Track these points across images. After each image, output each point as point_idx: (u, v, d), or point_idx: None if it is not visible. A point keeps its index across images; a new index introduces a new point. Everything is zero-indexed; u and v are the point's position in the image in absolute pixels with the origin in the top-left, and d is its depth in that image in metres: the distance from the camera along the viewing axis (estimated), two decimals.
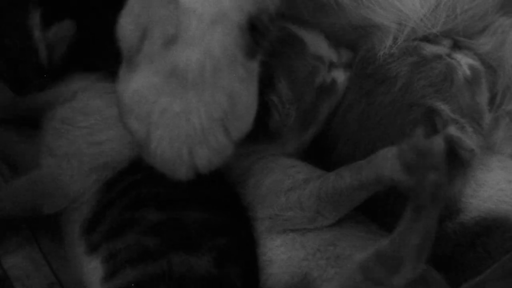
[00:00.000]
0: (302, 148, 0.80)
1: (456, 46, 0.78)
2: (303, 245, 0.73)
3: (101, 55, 0.79)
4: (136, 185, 0.73)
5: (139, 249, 0.69)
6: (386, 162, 0.65)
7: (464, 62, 0.76)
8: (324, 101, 0.78)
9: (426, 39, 0.78)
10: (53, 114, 0.78)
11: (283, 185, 0.73)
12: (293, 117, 0.76)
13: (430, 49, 0.76)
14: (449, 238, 0.75)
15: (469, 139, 0.72)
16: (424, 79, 0.74)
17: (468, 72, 0.75)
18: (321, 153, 0.79)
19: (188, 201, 0.72)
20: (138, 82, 0.61)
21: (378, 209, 0.76)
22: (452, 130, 0.72)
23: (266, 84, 0.72)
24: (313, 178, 0.73)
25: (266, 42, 0.64)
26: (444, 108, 0.73)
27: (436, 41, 0.78)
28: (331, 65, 0.79)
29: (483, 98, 0.77)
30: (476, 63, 0.77)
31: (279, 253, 0.73)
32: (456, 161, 0.72)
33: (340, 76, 0.79)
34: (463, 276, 0.72)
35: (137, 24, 0.61)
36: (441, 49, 0.77)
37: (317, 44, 0.78)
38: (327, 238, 0.73)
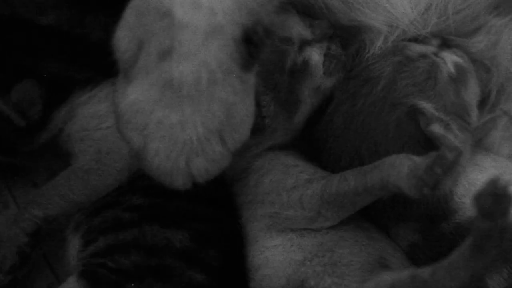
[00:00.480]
0: (294, 136, 0.80)
1: (445, 44, 0.79)
2: (300, 247, 0.73)
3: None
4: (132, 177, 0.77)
5: (114, 221, 0.73)
6: (393, 170, 0.66)
7: (449, 60, 0.76)
8: (301, 83, 0.77)
9: (415, 39, 0.78)
10: (69, 134, 0.82)
11: (285, 184, 0.74)
12: (272, 107, 0.76)
13: (416, 48, 0.76)
14: (447, 239, 0.75)
15: (453, 137, 0.72)
16: (407, 79, 0.74)
17: (452, 69, 0.75)
18: (312, 153, 0.80)
19: (176, 193, 0.74)
20: (135, 94, 0.62)
21: (377, 212, 0.77)
22: (436, 128, 0.72)
23: None
24: (317, 179, 0.73)
25: (262, 54, 0.64)
26: (427, 106, 0.73)
27: (425, 41, 0.78)
28: (303, 43, 0.77)
29: (470, 95, 0.76)
30: (461, 61, 0.77)
31: (276, 253, 0.74)
32: None
33: (314, 54, 0.77)
34: None
35: (133, 36, 0.62)
36: (428, 48, 0.77)
37: (285, 24, 0.77)
38: (325, 242, 0.73)
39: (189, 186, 0.64)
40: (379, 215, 0.77)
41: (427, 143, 0.72)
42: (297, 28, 0.76)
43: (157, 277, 0.70)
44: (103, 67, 0.79)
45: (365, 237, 0.75)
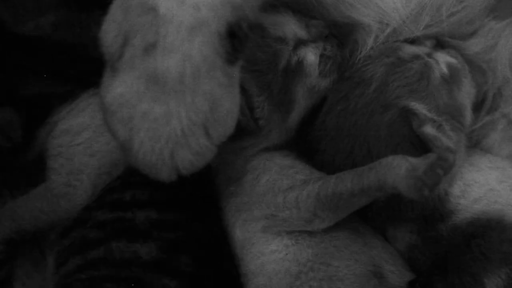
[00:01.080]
0: (290, 136, 0.79)
1: (439, 45, 0.79)
2: (296, 258, 0.73)
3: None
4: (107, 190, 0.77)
5: (81, 241, 0.73)
6: (390, 171, 0.66)
7: (442, 60, 0.76)
8: (295, 83, 0.76)
9: (408, 40, 0.78)
10: (47, 149, 0.82)
11: (281, 185, 0.74)
12: (265, 108, 0.75)
13: (409, 50, 0.76)
14: (443, 239, 0.75)
15: (446, 137, 0.71)
16: (399, 80, 0.74)
17: (445, 70, 0.75)
18: (307, 154, 0.80)
19: (145, 203, 0.75)
20: (120, 87, 0.63)
21: (373, 214, 0.77)
22: (428, 128, 0.72)
23: None
24: (313, 180, 0.73)
25: (246, 48, 0.65)
26: (420, 107, 0.73)
27: (419, 42, 0.78)
28: (299, 43, 0.76)
29: (463, 95, 0.76)
30: (455, 61, 0.77)
31: (272, 261, 0.73)
32: None
33: (309, 54, 0.76)
34: (460, 279, 0.73)
35: (119, 30, 0.63)
36: (421, 49, 0.77)
37: (280, 23, 0.76)
38: (320, 254, 0.73)
39: (174, 178, 0.64)
40: (375, 217, 0.77)
41: (420, 144, 0.72)
42: (292, 28, 0.76)
43: (129, 286, 0.70)
44: (84, 76, 0.81)
45: (361, 243, 0.75)
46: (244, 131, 0.74)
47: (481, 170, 0.78)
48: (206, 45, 0.61)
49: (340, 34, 0.79)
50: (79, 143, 0.80)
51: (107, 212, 0.75)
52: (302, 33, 0.76)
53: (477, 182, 0.77)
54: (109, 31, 0.64)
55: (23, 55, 0.83)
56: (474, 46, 0.79)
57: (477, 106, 0.81)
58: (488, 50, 0.79)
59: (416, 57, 0.76)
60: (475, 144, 0.82)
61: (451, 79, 0.75)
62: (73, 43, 0.82)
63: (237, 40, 0.63)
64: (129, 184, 0.77)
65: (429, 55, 0.77)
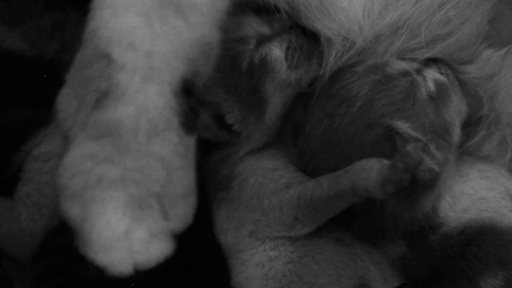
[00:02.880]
0: (273, 135, 0.78)
1: (432, 60, 0.77)
2: (277, 276, 0.73)
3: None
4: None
5: (48, 268, 0.73)
6: (363, 173, 0.66)
7: (431, 77, 0.75)
8: (262, 81, 0.74)
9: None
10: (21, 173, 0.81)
11: (266, 189, 0.74)
12: (236, 111, 0.74)
13: (397, 66, 0.75)
14: (434, 250, 0.75)
15: (430, 158, 0.71)
16: (384, 98, 0.73)
17: (432, 88, 0.74)
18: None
19: None
20: (72, 154, 0.58)
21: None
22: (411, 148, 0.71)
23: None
24: (295, 183, 0.73)
25: (202, 116, 0.62)
26: (404, 126, 0.72)
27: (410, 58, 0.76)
28: (262, 40, 0.74)
29: (451, 114, 0.75)
30: (443, 79, 0.75)
31: (256, 275, 0.73)
32: (415, 182, 0.71)
33: (273, 49, 0.74)
34: (456, 283, 0.74)
35: (74, 93, 0.60)
36: (411, 64, 0.75)
37: (240, 23, 0.74)
38: (303, 270, 0.73)
39: (129, 270, 0.58)
40: (362, 237, 0.77)
41: None
42: (253, 26, 0.75)
43: None
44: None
45: (345, 255, 0.75)
46: (221, 143, 0.74)
47: (469, 180, 0.78)
48: (160, 98, 0.58)
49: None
50: (46, 171, 0.79)
51: (70, 235, 0.73)
52: (264, 29, 0.75)
53: (465, 193, 0.77)
54: (64, 94, 0.60)
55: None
56: (471, 71, 0.78)
57: (472, 123, 0.80)
58: (487, 78, 0.78)
59: (404, 73, 0.74)
60: (469, 153, 0.82)
61: (438, 97, 0.74)
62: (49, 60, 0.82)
63: (193, 100, 0.60)
64: None
65: (418, 70, 0.75)
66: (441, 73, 0.76)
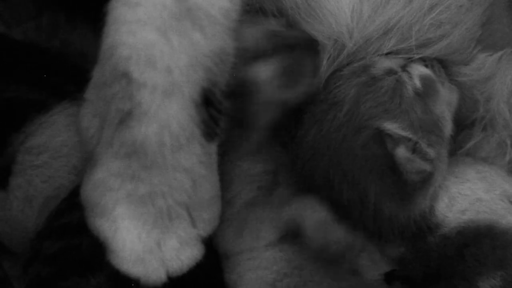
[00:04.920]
0: (262, 142, 0.77)
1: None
2: (269, 265, 0.73)
3: None
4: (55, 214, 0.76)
5: (36, 279, 0.72)
6: None
7: (416, 73, 0.74)
8: (248, 101, 0.72)
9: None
10: (14, 163, 0.80)
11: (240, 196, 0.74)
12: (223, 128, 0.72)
13: (382, 64, 0.74)
14: (432, 251, 0.75)
15: (421, 158, 0.71)
16: (371, 100, 0.72)
17: (418, 84, 0.73)
18: None
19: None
20: (100, 173, 0.59)
21: None
22: (401, 152, 0.71)
23: None
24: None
25: (223, 123, 0.62)
26: (393, 127, 0.71)
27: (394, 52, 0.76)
28: (258, 56, 0.72)
29: (441, 107, 0.74)
30: (429, 73, 0.74)
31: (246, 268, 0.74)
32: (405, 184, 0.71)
33: (263, 69, 0.72)
34: (453, 282, 0.74)
35: (95, 111, 0.61)
36: (396, 61, 0.75)
37: (243, 33, 0.71)
38: (294, 259, 0.73)
39: (163, 278, 0.60)
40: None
41: (395, 165, 0.71)
42: (255, 37, 0.72)
43: None
44: (60, 85, 0.80)
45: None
46: None
47: (467, 181, 0.78)
48: (182, 112, 0.59)
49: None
50: (38, 165, 0.79)
51: (56, 241, 0.73)
52: (263, 45, 0.72)
53: (462, 194, 0.77)
54: (85, 114, 0.62)
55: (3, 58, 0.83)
56: (467, 72, 0.78)
57: (469, 124, 0.80)
58: (483, 81, 0.78)
59: (389, 72, 0.74)
60: (468, 155, 0.82)
61: (425, 92, 0.74)
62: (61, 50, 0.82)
63: (213, 108, 0.61)
64: (76, 205, 0.73)
65: (403, 67, 0.75)
66: (426, 65, 0.75)
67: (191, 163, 0.60)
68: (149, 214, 0.59)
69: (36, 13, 0.84)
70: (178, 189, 0.60)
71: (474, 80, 0.78)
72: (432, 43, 0.75)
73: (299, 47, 0.74)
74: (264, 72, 0.73)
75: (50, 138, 0.79)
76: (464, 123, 0.80)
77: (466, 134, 0.80)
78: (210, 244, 0.74)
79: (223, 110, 0.62)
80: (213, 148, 0.63)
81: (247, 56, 0.72)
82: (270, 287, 0.72)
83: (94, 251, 0.69)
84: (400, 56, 0.75)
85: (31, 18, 0.85)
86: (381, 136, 0.71)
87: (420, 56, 0.75)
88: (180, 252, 0.60)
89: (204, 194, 0.61)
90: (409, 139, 0.71)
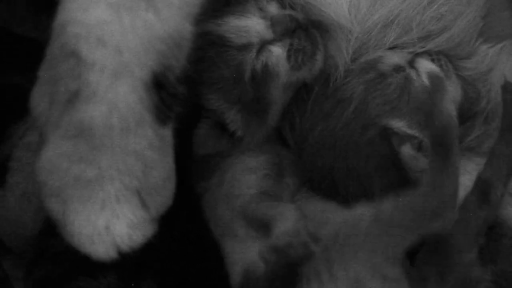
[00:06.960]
0: (268, 131, 0.78)
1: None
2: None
3: None
4: None
5: (44, 280, 0.72)
6: None
7: (423, 70, 0.74)
8: (267, 88, 0.73)
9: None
10: (11, 159, 0.80)
11: (233, 191, 0.74)
12: (239, 118, 0.74)
13: (389, 60, 0.74)
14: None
15: (426, 155, 0.71)
16: (379, 97, 0.72)
17: (426, 81, 0.73)
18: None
19: None
20: (48, 152, 0.58)
21: None
22: (406, 150, 0.71)
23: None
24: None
25: (177, 108, 0.61)
26: (399, 125, 0.72)
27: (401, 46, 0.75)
28: (264, 44, 0.73)
29: (447, 103, 0.73)
30: (436, 69, 0.74)
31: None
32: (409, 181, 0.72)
33: (275, 54, 0.73)
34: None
35: (45, 89, 0.59)
36: (403, 56, 0.74)
37: (241, 28, 0.73)
38: None
39: (113, 255, 0.59)
40: None
41: (401, 163, 0.72)
42: (257, 30, 0.73)
43: None
44: None
45: None
46: (227, 149, 0.75)
47: (467, 173, 0.78)
48: (132, 94, 0.57)
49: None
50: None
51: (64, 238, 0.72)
52: (267, 33, 0.73)
53: (462, 185, 0.76)
54: (36, 92, 0.59)
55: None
56: (469, 66, 0.78)
57: (471, 117, 0.80)
58: (485, 73, 0.78)
59: (397, 69, 0.73)
60: (469, 149, 0.81)
61: (433, 89, 0.73)
62: None
63: (166, 93, 0.59)
64: None
65: (410, 62, 0.74)
66: (433, 60, 0.75)
67: (141, 147, 0.58)
68: (98, 198, 0.58)
69: (35, 13, 0.83)
70: (128, 173, 0.58)
71: (478, 73, 0.78)
72: (434, 35, 0.75)
73: (299, 30, 0.74)
74: (276, 55, 0.73)
75: None
76: (466, 116, 0.80)
77: (466, 127, 0.80)
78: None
79: (178, 94, 0.60)
80: (166, 132, 0.61)
81: (253, 49, 0.72)
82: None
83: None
84: (405, 50, 0.75)
85: (30, 18, 0.83)
86: (388, 134, 0.72)
87: (424, 49, 0.75)
88: (130, 234, 0.59)
89: (157, 177, 0.60)
90: (415, 137, 0.72)
